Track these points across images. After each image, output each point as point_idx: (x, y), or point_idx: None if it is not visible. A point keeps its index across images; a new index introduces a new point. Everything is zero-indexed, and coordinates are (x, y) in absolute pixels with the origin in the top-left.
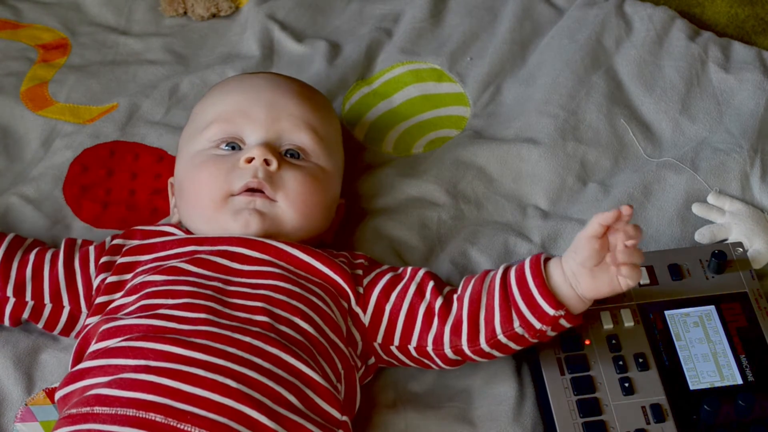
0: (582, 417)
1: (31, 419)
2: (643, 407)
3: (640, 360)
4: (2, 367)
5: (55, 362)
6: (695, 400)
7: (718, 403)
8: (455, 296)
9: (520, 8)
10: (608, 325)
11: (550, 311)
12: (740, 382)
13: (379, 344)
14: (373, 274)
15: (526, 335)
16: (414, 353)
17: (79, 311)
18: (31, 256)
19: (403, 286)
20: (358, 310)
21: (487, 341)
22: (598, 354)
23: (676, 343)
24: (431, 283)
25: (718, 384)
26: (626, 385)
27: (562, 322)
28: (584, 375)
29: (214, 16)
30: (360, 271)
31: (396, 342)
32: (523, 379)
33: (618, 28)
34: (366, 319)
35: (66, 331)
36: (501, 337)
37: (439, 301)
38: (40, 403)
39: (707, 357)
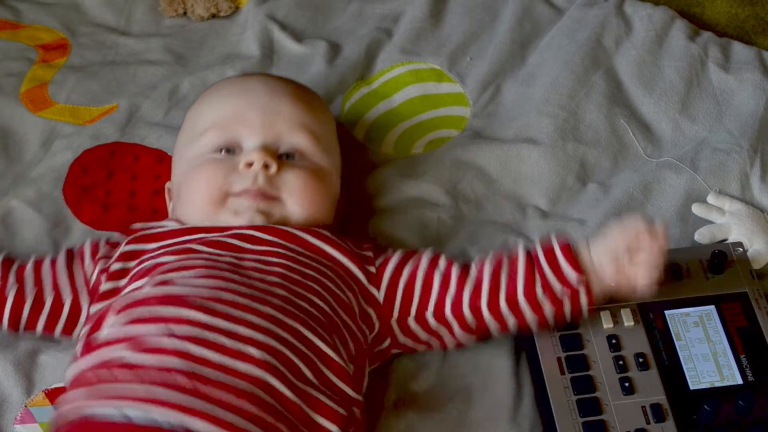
0: (582, 417)
1: (31, 421)
2: (643, 407)
3: (640, 360)
4: (2, 369)
5: (56, 364)
6: (695, 400)
7: (718, 403)
8: (474, 263)
9: (520, 8)
10: (608, 325)
11: (575, 279)
12: (740, 382)
13: (396, 320)
14: (383, 255)
15: (547, 302)
16: (432, 321)
17: (79, 306)
18: (30, 261)
19: (415, 261)
20: (372, 289)
21: (508, 302)
22: (598, 354)
23: (676, 343)
24: (443, 256)
25: (718, 384)
26: (626, 384)
27: (582, 298)
28: (584, 375)
29: (213, 16)
30: (370, 253)
31: (413, 312)
32: (522, 379)
33: (618, 28)
34: (381, 296)
35: (68, 327)
36: (522, 300)
37: (455, 268)
38: (39, 404)
39: (707, 357)
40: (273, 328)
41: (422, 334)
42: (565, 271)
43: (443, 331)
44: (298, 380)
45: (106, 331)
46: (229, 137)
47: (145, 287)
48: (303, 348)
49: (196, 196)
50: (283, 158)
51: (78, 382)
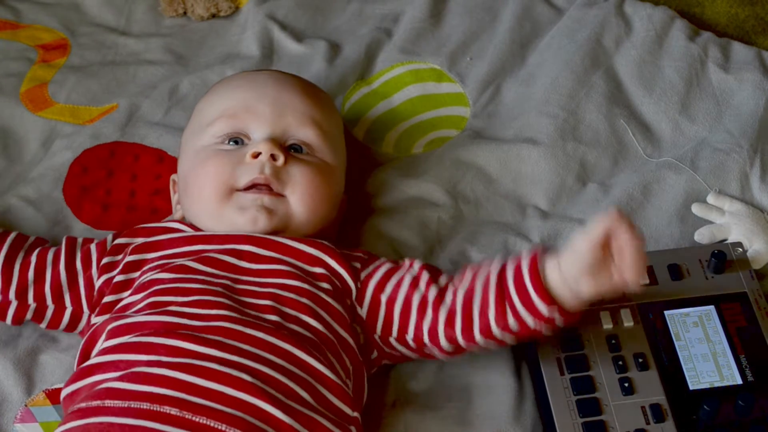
0: (582, 417)
1: (31, 420)
2: (642, 407)
3: (640, 360)
4: (2, 368)
5: (56, 363)
6: (695, 400)
7: (718, 403)
8: (451, 286)
9: (520, 8)
10: (608, 325)
11: (545, 311)
12: (740, 382)
13: (378, 336)
14: (370, 268)
15: (520, 329)
16: (412, 344)
17: (81, 311)
18: (33, 258)
19: (399, 278)
20: (355, 304)
21: (482, 333)
22: (598, 354)
23: (676, 343)
24: (427, 275)
25: (717, 384)
26: (626, 385)
27: (557, 320)
28: (584, 375)
29: (214, 16)
30: (358, 264)
31: (394, 333)
32: (523, 379)
33: (618, 28)
34: (363, 311)
35: (70, 328)
36: (495, 331)
37: (433, 291)
38: (40, 404)
39: (707, 357)
40: (263, 354)
41: (407, 352)
42: (536, 304)
43: (427, 351)
44: (293, 402)
45: (100, 354)
46: (238, 127)
47: (138, 307)
48: (297, 371)
49: (203, 190)
50: (290, 151)
51: (71, 409)
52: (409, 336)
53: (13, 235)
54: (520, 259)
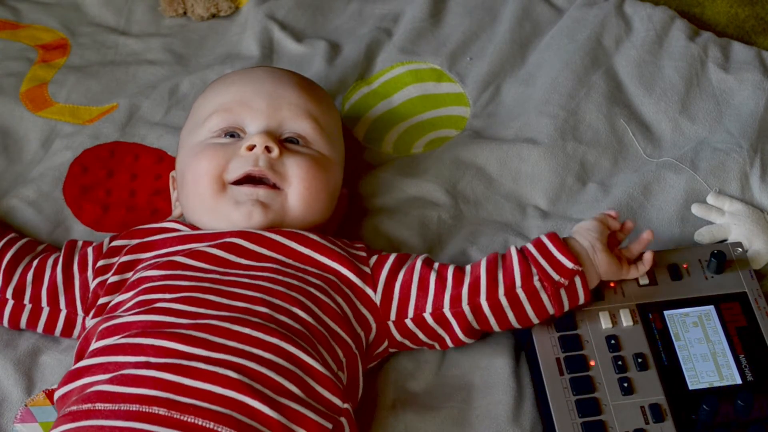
0: (581, 417)
1: (31, 420)
2: (642, 407)
3: (640, 360)
4: (2, 368)
5: (56, 364)
6: (694, 400)
7: (717, 402)
8: (468, 265)
9: (520, 8)
10: (607, 325)
11: (568, 264)
12: (739, 381)
13: (393, 322)
14: (377, 255)
15: (543, 291)
16: (430, 321)
17: (75, 315)
18: (35, 262)
19: (410, 264)
20: (368, 290)
21: (506, 293)
22: (597, 354)
23: (676, 343)
24: (437, 262)
25: (717, 384)
26: (625, 385)
27: (578, 284)
28: (583, 375)
29: (213, 16)
30: (363, 253)
31: (410, 314)
32: (522, 379)
33: (618, 28)
34: (377, 298)
35: (65, 333)
36: (519, 291)
37: (450, 268)
38: (39, 404)
39: (706, 357)
40: (251, 350)
41: (421, 336)
42: (559, 258)
43: (443, 332)
44: (282, 397)
45: (90, 356)
46: (233, 121)
47: (127, 306)
48: (285, 363)
49: (198, 184)
50: (286, 143)
51: (63, 411)
52: (428, 312)
53: (24, 240)
54: (536, 238)
